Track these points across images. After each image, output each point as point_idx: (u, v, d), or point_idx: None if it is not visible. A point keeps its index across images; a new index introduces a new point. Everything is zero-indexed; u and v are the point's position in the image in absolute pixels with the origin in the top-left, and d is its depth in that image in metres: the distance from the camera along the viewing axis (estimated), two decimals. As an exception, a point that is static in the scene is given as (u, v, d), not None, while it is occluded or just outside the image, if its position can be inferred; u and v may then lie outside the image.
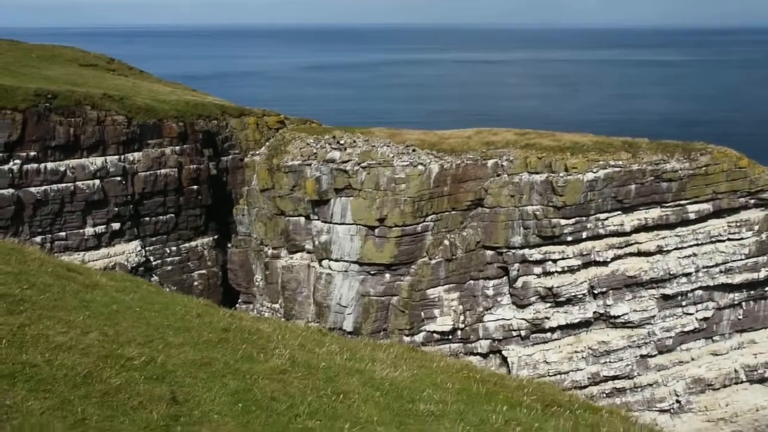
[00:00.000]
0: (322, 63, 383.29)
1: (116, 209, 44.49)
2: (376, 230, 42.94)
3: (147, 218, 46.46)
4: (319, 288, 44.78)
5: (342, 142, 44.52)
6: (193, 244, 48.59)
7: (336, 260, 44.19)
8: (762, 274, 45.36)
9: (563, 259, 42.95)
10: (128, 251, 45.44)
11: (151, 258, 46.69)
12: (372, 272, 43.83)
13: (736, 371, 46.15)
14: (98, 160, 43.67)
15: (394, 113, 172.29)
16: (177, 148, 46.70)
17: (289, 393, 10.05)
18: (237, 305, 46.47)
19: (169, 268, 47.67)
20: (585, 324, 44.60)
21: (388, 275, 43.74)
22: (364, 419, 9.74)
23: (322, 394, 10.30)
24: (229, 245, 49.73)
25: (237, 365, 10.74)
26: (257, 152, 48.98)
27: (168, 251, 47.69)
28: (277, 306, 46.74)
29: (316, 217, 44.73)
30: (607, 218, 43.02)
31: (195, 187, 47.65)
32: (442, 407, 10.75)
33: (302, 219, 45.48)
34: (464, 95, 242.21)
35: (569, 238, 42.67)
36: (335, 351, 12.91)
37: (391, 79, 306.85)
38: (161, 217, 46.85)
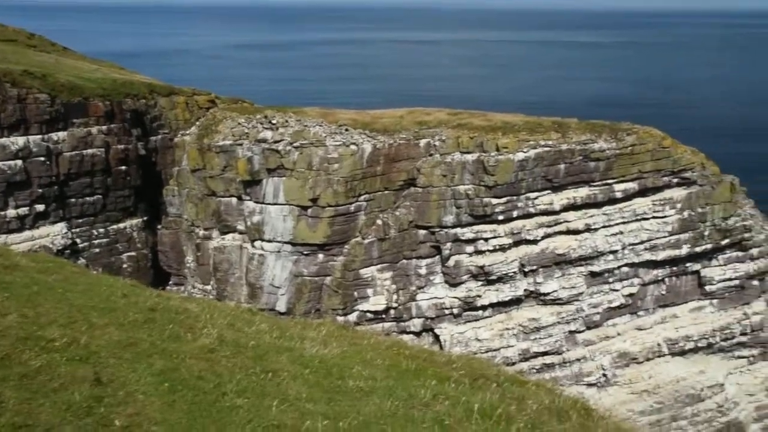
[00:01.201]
0: (254, 42, 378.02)
1: (40, 191, 43.11)
2: (309, 210, 42.79)
3: (73, 200, 45.17)
4: (251, 269, 44.43)
5: (274, 121, 44.08)
6: (121, 225, 47.50)
7: (269, 241, 43.90)
8: (684, 250, 46.86)
9: (494, 237, 43.56)
10: (53, 233, 44.15)
11: (78, 240, 45.48)
12: (305, 252, 43.71)
13: (659, 345, 47.71)
14: (20, 140, 42.17)
15: (327, 94, 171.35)
16: (104, 127, 45.45)
17: (216, 372, 9.96)
18: (167, 287, 45.73)
19: (97, 250, 46.52)
20: (516, 301, 45.42)
21: (321, 255, 43.69)
22: (293, 396, 9.72)
23: (251, 372, 10.24)
24: (159, 227, 48.85)
25: (164, 345, 10.58)
26: (187, 132, 48.14)
27: (95, 233, 46.51)
28: (209, 287, 46.22)
29: (248, 198, 44.29)
30: (537, 197, 43.76)
31: (123, 167, 46.53)
32: (371, 383, 10.79)
33: (234, 199, 44.97)
34: (397, 75, 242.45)
35: (500, 217, 43.29)
36: (265, 330, 12.83)
37: (325, 59, 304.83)
38: (88, 199, 45.62)
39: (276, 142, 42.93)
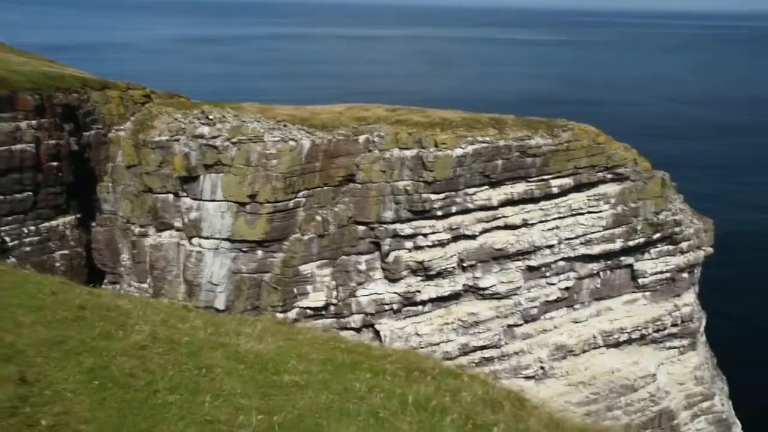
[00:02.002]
0: (190, 36, 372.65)
1: (-34, 187, 41.71)
2: (248, 207, 42.38)
3: (2, 197, 43.80)
4: (189, 266, 43.81)
5: (211, 117, 43.51)
6: (53, 223, 46.23)
7: (206, 238, 43.34)
8: (618, 244, 47.94)
9: (434, 233, 43.86)
10: (-19, 232, 42.76)
11: (8, 239, 44.10)
12: (244, 249, 43.30)
13: (594, 337, 48.75)
14: (-55, 135, 40.72)
15: (265, 89, 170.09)
16: (33, 122, 44.14)
17: (148, 369, 9.82)
18: (103, 286, 44.76)
19: (28, 249, 45.18)
20: (455, 296, 45.82)
21: (260, 252, 43.33)
22: (227, 392, 9.66)
23: (184, 368, 10.13)
24: (93, 224, 47.71)
25: (93, 343, 10.38)
26: (122, 127, 47.13)
27: (26, 231, 45.16)
28: (145, 286, 45.40)
29: (185, 194, 43.64)
30: (475, 193, 44.19)
31: (55, 163, 45.25)
32: (306, 378, 10.79)
33: (171, 196, 44.26)
34: (336, 71, 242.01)
35: (439, 213, 43.59)
36: (199, 326, 12.70)
37: (263, 54, 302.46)
38: (17, 196, 44.23)
39: (213, 137, 42.39)
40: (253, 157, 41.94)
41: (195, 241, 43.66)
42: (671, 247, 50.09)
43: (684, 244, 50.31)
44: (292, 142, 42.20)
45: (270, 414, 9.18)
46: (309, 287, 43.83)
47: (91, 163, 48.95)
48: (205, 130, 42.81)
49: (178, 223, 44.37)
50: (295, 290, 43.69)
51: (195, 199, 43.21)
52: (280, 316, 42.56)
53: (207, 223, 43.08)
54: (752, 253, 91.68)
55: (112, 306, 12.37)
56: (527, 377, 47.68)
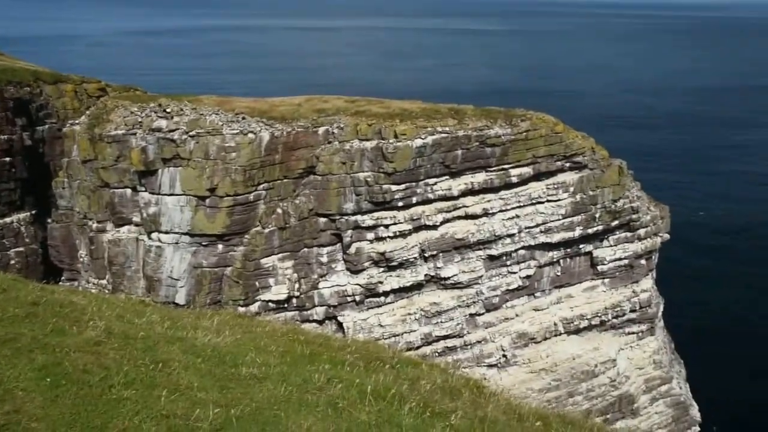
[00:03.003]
0: (143, 28, 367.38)
1: None
2: (207, 200, 42.01)
3: (-46, 193, 42.91)
4: (148, 261, 43.32)
5: (169, 110, 42.99)
6: (7, 220, 45.41)
7: (166, 232, 42.87)
8: (577, 232, 48.50)
9: (395, 224, 43.92)
10: (-67, 230, 41.82)
11: (-39, 236, 43.25)
12: (204, 243, 42.93)
13: (555, 324, 49.31)
14: None
15: (222, 82, 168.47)
16: (-15, 117, 43.27)
17: (103, 365, 9.68)
18: (60, 283, 44.06)
19: (-18, 246, 44.35)
20: (417, 287, 45.97)
21: (220, 246, 43.00)
22: (184, 386, 9.57)
23: (140, 363, 10.00)
24: (49, 220, 46.96)
25: (46, 339, 10.19)
26: (77, 121, 46.38)
27: (-21, 229, 44.32)
28: (104, 282, 44.82)
29: (143, 189, 43.10)
30: (435, 183, 44.33)
31: (8, 159, 44.43)
32: (265, 370, 10.74)
33: (128, 191, 43.69)
34: (294, 63, 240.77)
35: (400, 204, 43.66)
36: (156, 320, 12.54)
37: (220, 46, 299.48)
38: (-30, 192, 43.42)
39: (171, 131, 41.89)
40: (212, 151, 41.56)
41: (154, 235, 43.17)
42: (629, 234, 50.83)
43: (641, 231, 51.08)
44: (251, 135, 41.90)
45: (227, 407, 9.12)
46: (271, 280, 43.64)
47: (46, 159, 48.16)
48: (163, 123, 42.29)
49: (136, 218, 43.82)
50: (256, 284, 43.46)
51: (153, 194, 42.70)
52: (242, 309, 42.29)
53: (166, 217, 42.61)
54: (705, 240, 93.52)
55: (66, 302, 12.15)
56: (490, 365, 48.08)
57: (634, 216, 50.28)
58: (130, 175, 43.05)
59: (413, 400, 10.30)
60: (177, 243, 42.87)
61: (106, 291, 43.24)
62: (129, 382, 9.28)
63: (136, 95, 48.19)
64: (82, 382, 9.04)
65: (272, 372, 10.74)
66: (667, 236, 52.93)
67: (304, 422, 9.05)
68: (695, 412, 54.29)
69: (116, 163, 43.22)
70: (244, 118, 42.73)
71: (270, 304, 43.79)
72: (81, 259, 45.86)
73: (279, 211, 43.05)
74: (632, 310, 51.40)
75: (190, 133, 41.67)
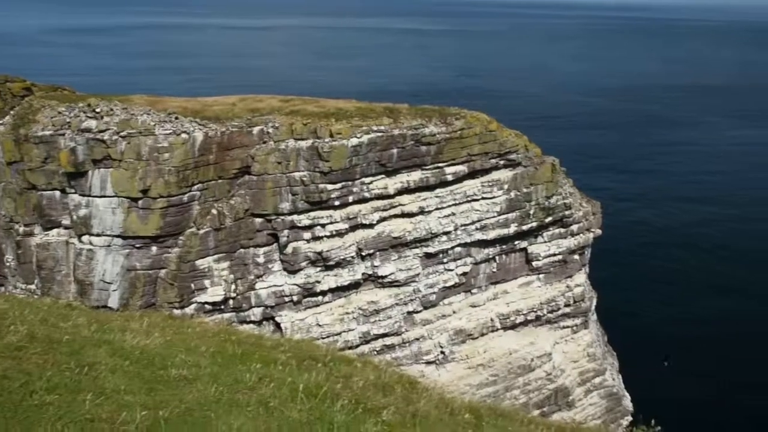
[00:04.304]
0: (67, 26, 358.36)
1: None
2: (140, 202, 41.21)
3: None
4: (79, 265, 42.27)
5: (98, 110, 42.01)
6: (-71, 225, 43.74)
7: (97, 235, 41.90)
8: (512, 229, 49.20)
9: (331, 223, 43.85)
10: None
11: None
12: (137, 245, 42.10)
13: (491, 320, 49.94)
14: None
15: (153, 82, 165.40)
16: None
17: (24, 370, 9.42)
18: (-14, 289, 42.66)
19: None
20: (354, 285, 46.00)
21: (154, 248, 42.25)
22: (110, 389, 9.39)
23: (64, 367, 9.77)
24: (-26, 225, 45.40)
25: (-37, 346, 9.88)
26: (1, 122, 44.91)
27: None
28: (33, 287, 43.51)
29: (72, 191, 42.02)
30: (371, 182, 44.41)
31: (-71, 161, 42.81)
32: (195, 371, 10.62)
33: (57, 193, 42.53)
34: (228, 62, 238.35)
35: (336, 203, 43.61)
36: (82, 324, 12.28)
37: (151, 45, 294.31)
38: None
39: (101, 131, 40.95)
40: (144, 151, 40.80)
41: (85, 238, 42.16)
42: (562, 230, 51.80)
43: (574, 227, 52.12)
44: (184, 135, 41.27)
45: (156, 409, 8.98)
46: (207, 282, 43.09)
47: (-31, 161, 46.48)
48: (92, 123, 41.32)
49: (66, 221, 42.72)
50: (192, 285, 42.85)
51: (84, 196, 41.69)
52: (177, 312, 41.64)
53: (97, 219, 41.65)
54: (635, 235, 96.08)
55: (-15, 307, 11.80)
56: (428, 362, 48.42)
57: (567, 212, 51.27)
58: (59, 176, 41.93)
59: (345, 397, 10.31)
60: (109, 246, 41.95)
61: (35, 296, 42.00)
62: (52, 387, 9.05)
63: (63, 95, 46.94)
64: (1, 388, 8.78)
65: (203, 373, 10.62)
66: (599, 232, 54.14)
67: (235, 422, 8.97)
68: (628, 402, 55.71)
69: (44, 164, 42.05)
70: (177, 118, 42.07)
71: (206, 306, 43.24)
72: (8, 264, 44.47)
73: (214, 211, 42.53)
74: (566, 305, 52.41)
75: (121, 134, 40.82)
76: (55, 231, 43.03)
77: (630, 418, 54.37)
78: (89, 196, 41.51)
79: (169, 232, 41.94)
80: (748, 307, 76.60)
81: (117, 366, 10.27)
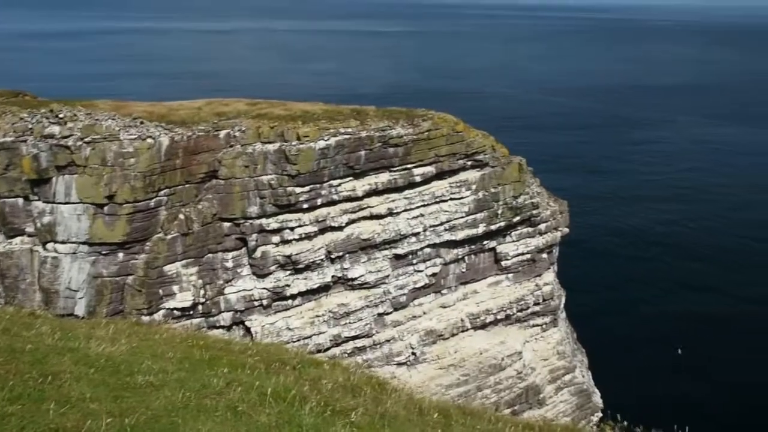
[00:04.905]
0: (28, 31, 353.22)
1: None
2: (106, 208, 40.73)
3: None
4: (44, 273, 41.65)
5: (61, 116, 41.46)
6: None
7: (62, 242, 41.33)
8: (480, 229, 49.45)
9: (300, 226, 43.73)
10: None
11: None
12: (104, 252, 41.60)
13: (462, 320, 50.13)
14: None
15: (117, 88, 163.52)
16: None
17: (-14, 381, 9.26)
18: (-52, 299, 41.86)
19: None
20: (324, 288, 45.90)
21: (121, 254, 41.77)
22: (76, 398, 9.27)
23: (27, 377, 9.63)
24: (-65, 234, 44.54)
25: None
26: (-38, 129, 44.13)
27: None
28: (-4, 296, 42.81)
29: (36, 198, 41.40)
30: (339, 184, 44.37)
31: None
32: (162, 377, 10.53)
33: (20, 200, 41.84)
34: (193, 67, 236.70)
35: (305, 206, 43.50)
36: (46, 332, 12.10)
37: (116, 49, 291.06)
38: None
39: (65, 137, 40.43)
40: (109, 157, 40.33)
41: (50, 246, 41.55)
42: (530, 229, 52.17)
43: (542, 226, 52.52)
44: (150, 140, 40.88)
45: (121, 417, 8.89)
46: (175, 287, 42.71)
47: (-71, 169, 45.59)
48: (56, 129, 40.77)
49: (30, 229, 42.06)
50: (160, 291, 42.45)
51: (48, 203, 41.10)
52: (146, 319, 41.23)
53: (62, 227, 41.09)
54: (602, 233, 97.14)
55: (-55, 317, 11.60)
56: (399, 364, 48.46)
57: (534, 211, 51.65)
58: (22, 183, 41.29)
59: (314, 400, 10.30)
60: (75, 253, 41.41)
61: None
62: (15, 397, 8.91)
63: (25, 101, 46.26)
64: (-38, 399, 8.64)
65: (170, 379, 10.53)
66: (566, 230, 54.63)
67: (203, 428, 8.92)
68: (597, 398, 56.26)
69: (6, 171, 41.36)
70: (142, 123, 41.67)
71: (175, 312, 42.85)
72: (-29, 274, 43.68)
73: (181, 216, 42.18)
74: (536, 303, 52.80)
75: (86, 139, 40.33)
76: (18, 239, 42.35)
77: (600, 414, 54.91)
78: (53, 202, 40.94)
79: (136, 238, 41.51)
80: (714, 303, 77.89)
81: (82, 374, 10.14)
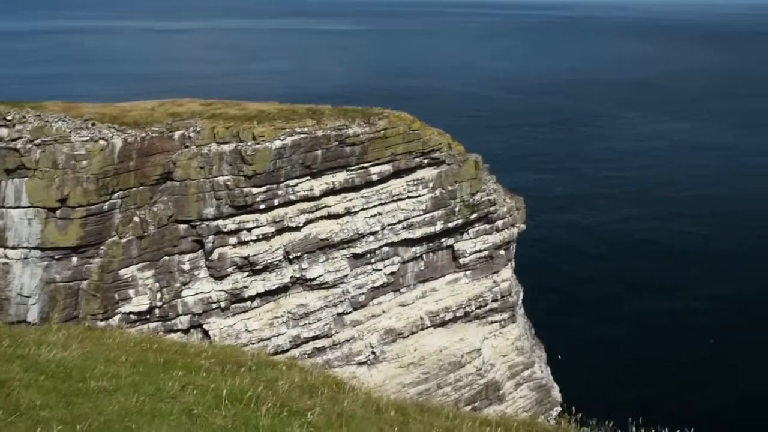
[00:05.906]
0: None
1: None
2: (58, 212, 39.99)
3: None
4: (-5, 280, 40.73)
5: (9, 118, 40.55)
6: None
7: (13, 248, 40.44)
8: (438, 227, 49.66)
9: (257, 227, 43.45)
10: None
11: None
12: (57, 257, 40.84)
13: (421, 318, 50.30)
14: None
15: (66, 90, 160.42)
16: None
17: (-69, 390, 9.02)
18: None
19: None
20: (283, 289, 45.68)
21: (75, 258, 41.05)
22: (25, 405, 9.08)
23: (-26, 386, 9.40)
24: None
25: None
26: None
27: None
28: (-55, 304, 41.74)
29: (-15, 203, 40.47)
30: (296, 184, 44.19)
31: None
32: (115, 382, 10.38)
33: (-31, 205, 40.90)
34: (144, 67, 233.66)
35: (262, 206, 43.23)
36: (-7, 340, 11.83)
37: (65, 49, 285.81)
38: None
39: (13, 140, 39.57)
40: (61, 159, 39.61)
41: (0, 252, 40.65)
42: (488, 226, 52.55)
43: (499, 223, 52.94)
44: (102, 142, 40.25)
45: (73, 423, 8.74)
46: (131, 291, 42.12)
47: None
48: (3, 132, 39.88)
49: (-21, 234, 41.09)
50: (116, 296, 41.83)
51: (-3, 207, 40.18)
52: (101, 324, 40.59)
53: (12, 232, 40.21)
54: (559, 228, 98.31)
55: None
56: (359, 363, 48.43)
57: (491, 208, 52.04)
58: (-30, 188, 40.32)
59: (270, 401, 10.24)
60: (26, 258, 40.57)
61: (-51, 314, 40.32)
62: (-39, 407, 8.70)
63: (-28, 103, 45.19)
64: None
65: (123, 383, 10.39)
66: (523, 226, 55.14)
67: (157, 432, 8.80)
68: (556, 393, 56.90)
69: (-47, 176, 40.37)
70: (93, 125, 41.00)
71: (131, 316, 42.27)
72: None
73: (136, 219, 41.62)
74: (494, 300, 53.18)
75: (35, 142, 39.54)
76: (-33, 245, 41.34)
77: (559, 409, 55.52)
78: (3, 207, 40.04)
79: (90, 242, 40.83)
80: (668, 299, 79.32)
81: (32, 381, 9.94)
